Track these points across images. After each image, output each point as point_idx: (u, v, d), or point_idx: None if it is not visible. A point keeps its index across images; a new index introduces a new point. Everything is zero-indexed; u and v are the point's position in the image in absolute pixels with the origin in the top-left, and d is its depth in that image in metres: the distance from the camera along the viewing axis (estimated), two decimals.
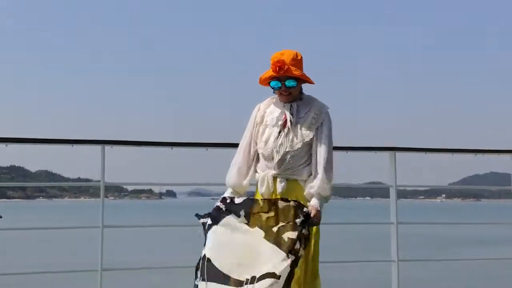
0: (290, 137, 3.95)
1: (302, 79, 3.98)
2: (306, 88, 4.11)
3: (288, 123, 3.97)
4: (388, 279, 5.67)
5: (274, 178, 3.95)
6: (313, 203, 3.81)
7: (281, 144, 3.95)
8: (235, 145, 5.49)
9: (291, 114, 3.99)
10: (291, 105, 4.01)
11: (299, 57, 3.98)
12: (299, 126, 3.96)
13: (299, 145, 3.93)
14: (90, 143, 5.48)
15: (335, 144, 5.49)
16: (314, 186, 3.86)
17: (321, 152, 3.92)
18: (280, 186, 3.93)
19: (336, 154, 5.62)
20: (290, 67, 3.91)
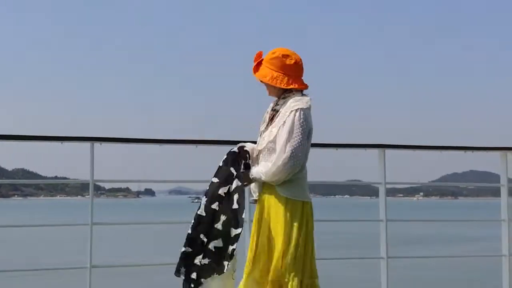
0: (262, 136, 4.03)
1: (264, 81, 4.03)
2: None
3: (264, 121, 4.09)
4: (377, 276, 5.70)
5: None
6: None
7: (257, 143, 4.08)
8: (224, 142, 5.55)
9: (268, 112, 4.07)
10: (272, 103, 4.08)
11: (274, 55, 4.00)
12: (271, 125, 3.99)
13: (264, 145, 3.98)
14: (79, 140, 5.45)
15: (323, 142, 5.56)
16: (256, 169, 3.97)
17: (276, 150, 3.88)
18: (258, 186, 4.05)
19: (325, 151, 5.71)
20: (262, 64, 4.03)
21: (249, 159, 4.07)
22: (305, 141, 3.86)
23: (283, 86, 3.97)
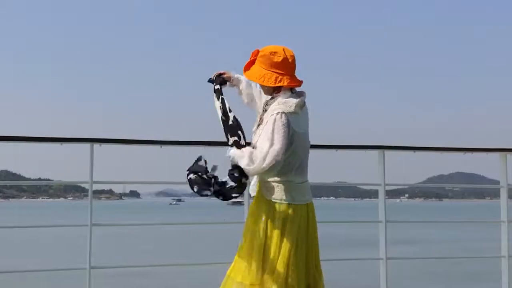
0: (254, 137, 4.01)
1: (252, 80, 4.01)
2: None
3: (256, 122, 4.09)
4: (376, 277, 5.71)
5: None
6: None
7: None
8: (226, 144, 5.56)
9: (259, 112, 4.07)
10: (263, 103, 4.07)
11: (263, 52, 3.95)
12: (261, 125, 3.97)
13: (253, 145, 3.95)
14: (79, 141, 5.44)
15: (322, 143, 5.58)
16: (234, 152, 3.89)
17: (257, 147, 3.83)
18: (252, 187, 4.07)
19: (326, 152, 5.72)
20: (255, 63, 3.98)
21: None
22: (282, 146, 3.76)
23: (270, 84, 3.90)
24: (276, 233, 3.85)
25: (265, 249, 3.86)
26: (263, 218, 3.89)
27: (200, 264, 6.39)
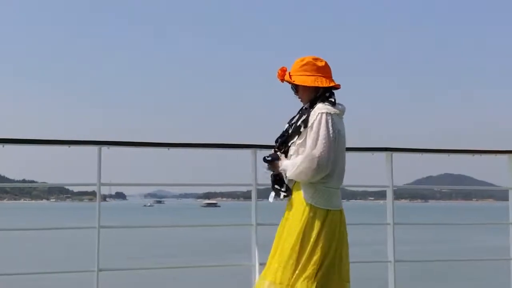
0: (292, 139, 4.07)
1: (306, 85, 4.05)
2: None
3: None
4: (384, 279, 5.71)
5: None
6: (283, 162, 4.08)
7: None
8: (233, 146, 5.58)
9: (294, 118, 4.12)
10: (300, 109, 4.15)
11: (304, 61, 4.09)
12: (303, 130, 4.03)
13: (294, 148, 4.04)
14: (87, 144, 5.41)
15: None
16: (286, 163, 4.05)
17: (306, 147, 3.93)
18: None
19: None
20: (292, 75, 4.09)
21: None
22: (331, 145, 3.88)
23: (324, 85, 4.01)
24: (313, 237, 3.91)
25: (299, 251, 3.91)
26: (302, 222, 3.94)
27: (206, 266, 6.39)
